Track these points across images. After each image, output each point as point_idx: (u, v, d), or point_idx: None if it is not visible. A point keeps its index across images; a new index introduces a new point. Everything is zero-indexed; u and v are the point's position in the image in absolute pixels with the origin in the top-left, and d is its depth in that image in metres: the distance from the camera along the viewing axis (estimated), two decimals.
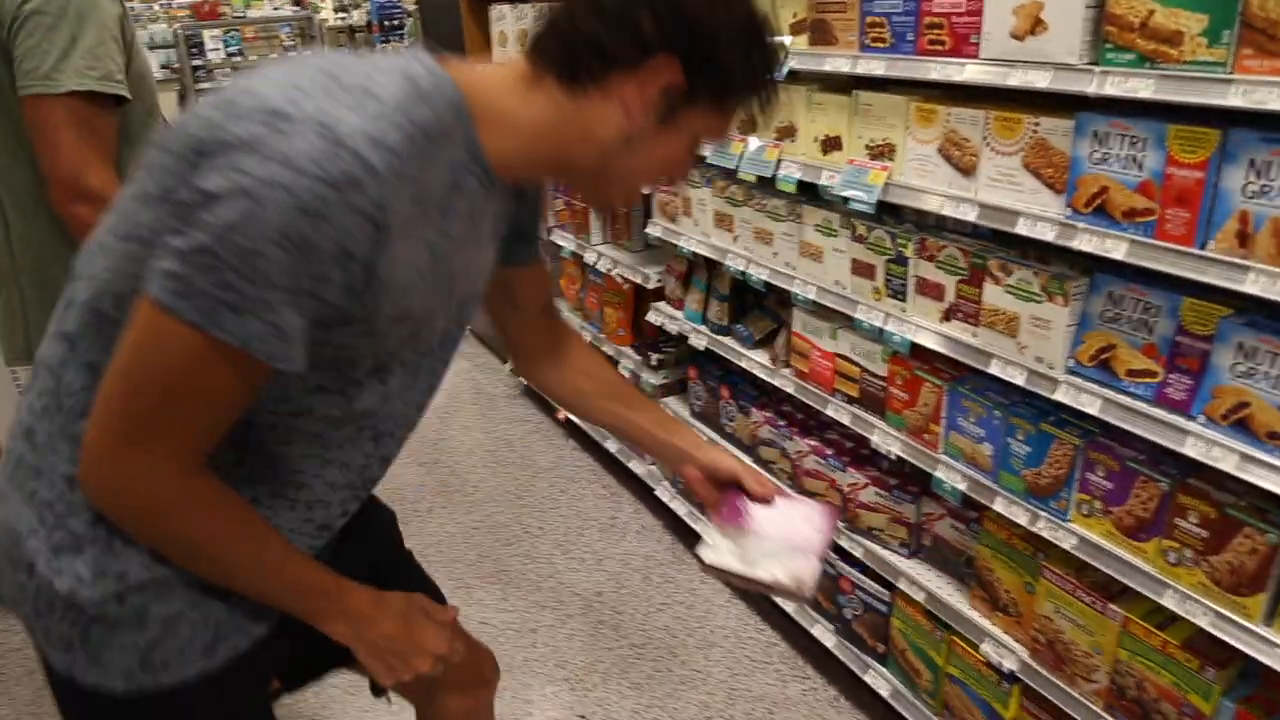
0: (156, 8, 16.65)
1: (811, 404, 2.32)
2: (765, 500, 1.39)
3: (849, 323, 2.13)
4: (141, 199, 0.91)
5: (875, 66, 1.87)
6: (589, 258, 3.25)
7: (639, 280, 2.99)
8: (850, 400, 2.20)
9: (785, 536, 1.32)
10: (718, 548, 1.31)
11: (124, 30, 1.72)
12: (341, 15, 15.89)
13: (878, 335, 2.03)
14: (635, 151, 1.02)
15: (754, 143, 2.27)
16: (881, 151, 1.94)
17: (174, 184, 0.86)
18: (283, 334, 0.88)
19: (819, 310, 2.23)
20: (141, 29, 16.10)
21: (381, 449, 1.19)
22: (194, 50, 7.92)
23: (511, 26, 3.51)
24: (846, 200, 1.97)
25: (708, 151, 2.40)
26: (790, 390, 2.39)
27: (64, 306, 1.02)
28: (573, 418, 3.76)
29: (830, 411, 2.25)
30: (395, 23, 13.41)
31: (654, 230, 2.80)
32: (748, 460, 2.63)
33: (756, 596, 2.76)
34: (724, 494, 1.40)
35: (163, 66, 14.23)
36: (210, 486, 0.99)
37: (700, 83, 0.99)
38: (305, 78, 0.87)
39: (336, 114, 0.84)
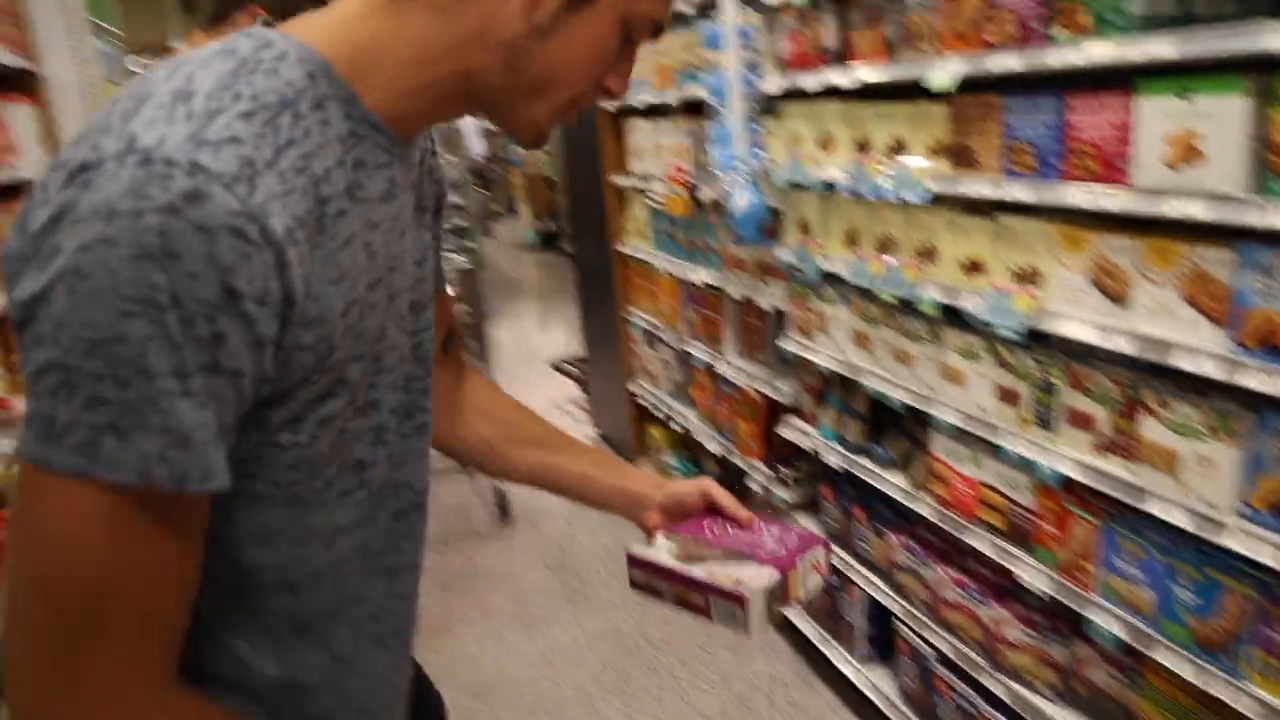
0: None
1: (952, 531, 2.23)
2: (741, 523, 1.19)
3: (993, 450, 2.06)
4: None
5: (1019, 192, 1.83)
6: (722, 369, 3.25)
7: (772, 394, 2.97)
8: (994, 530, 2.10)
9: (740, 545, 1.14)
10: (656, 546, 1.13)
11: None
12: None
13: (1024, 465, 1.95)
14: (549, 41, 0.81)
15: (892, 262, 2.24)
16: (1027, 276, 1.89)
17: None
18: (185, 440, 0.66)
19: (961, 435, 2.16)
20: None
21: (404, 526, 0.96)
22: None
23: (648, 139, 3.61)
24: (990, 325, 1.92)
25: (845, 270, 2.39)
26: (929, 516, 2.31)
27: None
28: None
29: (972, 541, 2.15)
30: None
31: (788, 345, 2.78)
32: (883, 586, 2.54)
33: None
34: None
35: None
36: (193, 705, 0.78)
37: None
38: (108, 115, 0.68)
39: (147, 133, 0.65)
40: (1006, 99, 1.86)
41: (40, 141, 3.33)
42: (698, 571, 1.07)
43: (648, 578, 1.11)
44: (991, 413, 2.04)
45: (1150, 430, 1.66)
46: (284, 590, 0.85)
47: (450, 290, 4.14)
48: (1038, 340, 1.94)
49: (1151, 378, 1.70)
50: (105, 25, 3.74)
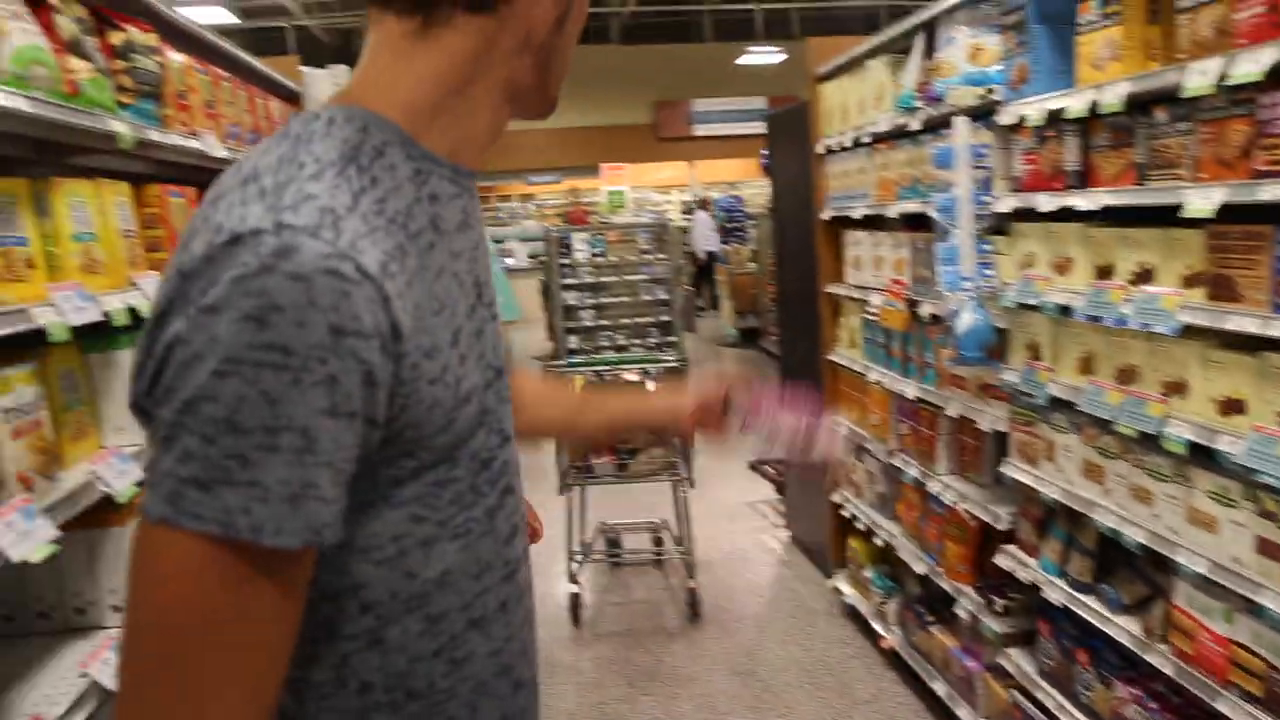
0: (532, 207, 18.93)
1: (1196, 692, 2.03)
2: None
3: (1251, 607, 1.87)
4: None
5: None
6: (933, 487, 3.14)
7: (987, 519, 2.83)
8: (1249, 698, 1.90)
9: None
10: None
11: None
12: (687, 217, 17.22)
13: None
14: (565, 26, 0.88)
15: (1134, 394, 2.12)
16: None
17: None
18: (266, 495, 0.67)
19: (1210, 586, 1.98)
20: (516, 224, 18.34)
21: (514, 518, 0.95)
22: (563, 250, 8.82)
23: (868, 252, 3.60)
24: (1255, 470, 1.77)
25: (1078, 398, 2.27)
26: (1168, 671, 2.11)
27: None
28: (898, 649, 3.56)
29: (1221, 706, 1.95)
30: (736, 225, 14.27)
31: (1010, 471, 2.66)
32: None
33: None
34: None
35: (531, 256, 15.98)
36: None
37: None
38: (192, 225, 0.73)
39: (229, 219, 0.69)
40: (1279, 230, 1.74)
41: None
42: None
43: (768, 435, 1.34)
44: (1250, 566, 1.86)
45: None
46: (471, 627, 0.87)
47: (654, 387, 4.22)
48: None
49: None
50: None
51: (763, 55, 15.47)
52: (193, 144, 2.33)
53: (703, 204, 13.08)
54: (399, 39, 0.82)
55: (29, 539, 1.49)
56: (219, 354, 0.65)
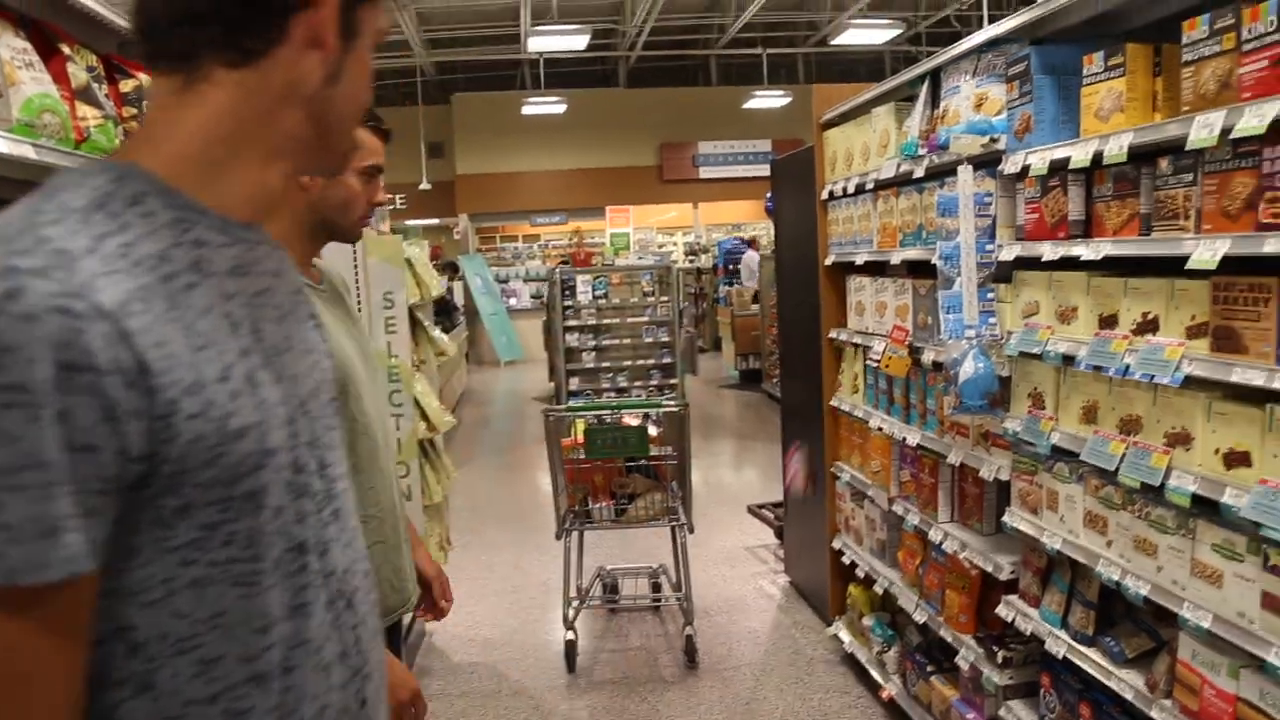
0: (536, 248, 19.03)
1: None
2: None
3: (1257, 663, 1.84)
4: None
5: None
6: (934, 535, 3.11)
7: (989, 568, 2.81)
8: None
9: None
10: None
11: None
12: (691, 259, 17.29)
13: None
14: (340, 81, 0.90)
15: (1137, 444, 2.10)
16: None
17: None
18: (13, 534, 0.68)
19: (1215, 641, 1.95)
20: (520, 264, 18.42)
21: (346, 617, 0.95)
22: (566, 291, 8.85)
23: (870, 298, 3.60)
24: (1259, 524, 1.75)
25: (1081, 448, 2.26)
26: None
27: None
28: (897, 699, 3.51)
29: None
30: (738, 267, 14.30)
31: (1012, 520, 2.63)
32: None
33: None
34: None
35: (533, 297, 16.04)
36: None
37: None
38: None
39: None
40: None
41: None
42: None
43: None
44: (1256, 622, 1.83)
45: None
46: (252, 682, 0.84)
47: (654, 430, 4.19)
48: None
49: None
50: None
51: (768, 99, 15.61)
52: None
53: (751, 242, 13.23)
54: (167, 95, 0.85)
55: None
56: None
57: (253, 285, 0.90)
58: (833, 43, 13.75)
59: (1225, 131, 1.78)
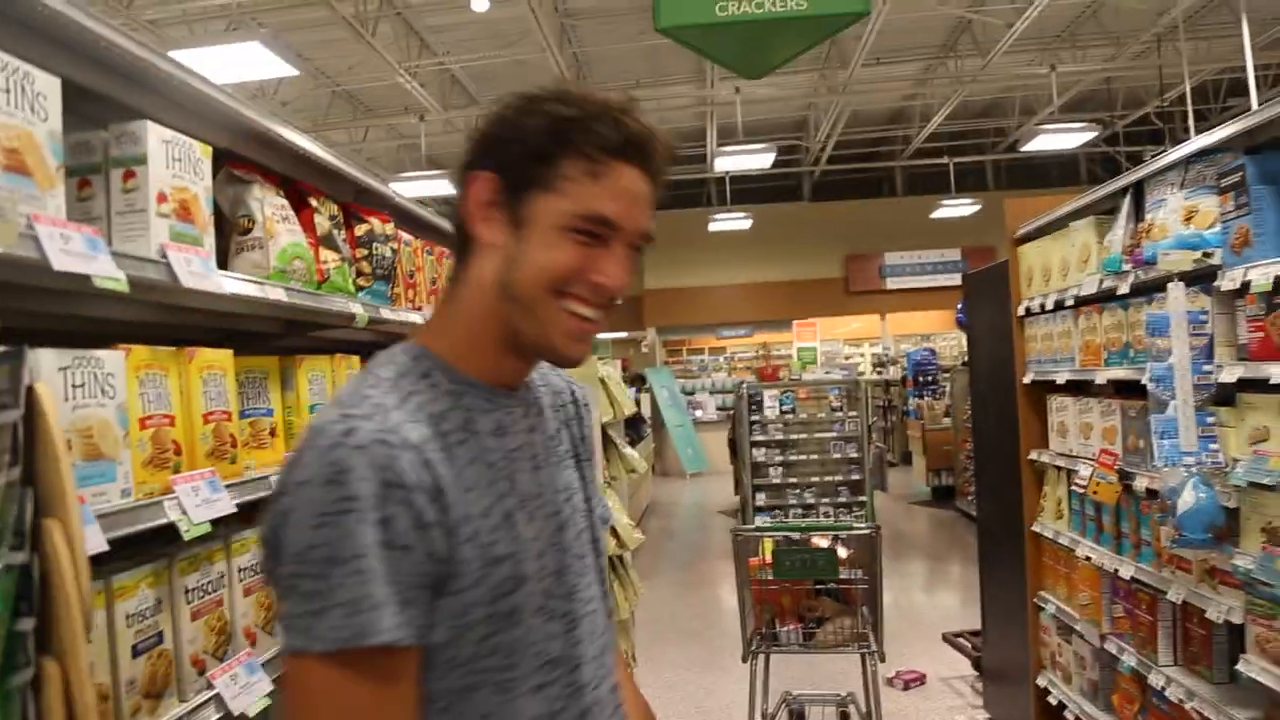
0: (722, 360, 19.23)
1: None
2: None
3: None
4: None
5: None
6: (1154, 680, 2.86)
7: None
8: None
9: None
10: None
11: None
12: (879, 370, 16.98)
13: None
14: (520, 266, 1.05)
15: None
16: None
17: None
18: (357, 607, 0.89)
19: None
20: (706, 376, 18.62)
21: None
22: (754, 406, 8.87)
23: (1074, 419, 3.43)
24: None
25: None
26: None
27: None
28: None
29: None
30: (930, 378, 13.97)
31: (1248, 670, 2.39)
32: None
33: None
34: None
35: (719, 409, 16.14)
36: None
37: (516, 174, 1.05)
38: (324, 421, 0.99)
39: (316, 422, 0.98)
40: None
41: None
42: None
43: None
44: None
45: None
46: None
47: (844, 551, 4.09)
48: None
49: None
50: None
51: (956, 208, 15.38)
52: (414, 317, 2.54)
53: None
54: (449, 288, 1.13)
55: (249, 691, 1.59)
56: (314, 511, 0.90)
57: (511, 443, 1.10)
58: (1024, 149, 13.47)
59: None
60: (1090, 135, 12.50)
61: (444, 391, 1.05)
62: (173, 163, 1.50)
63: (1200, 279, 2.55)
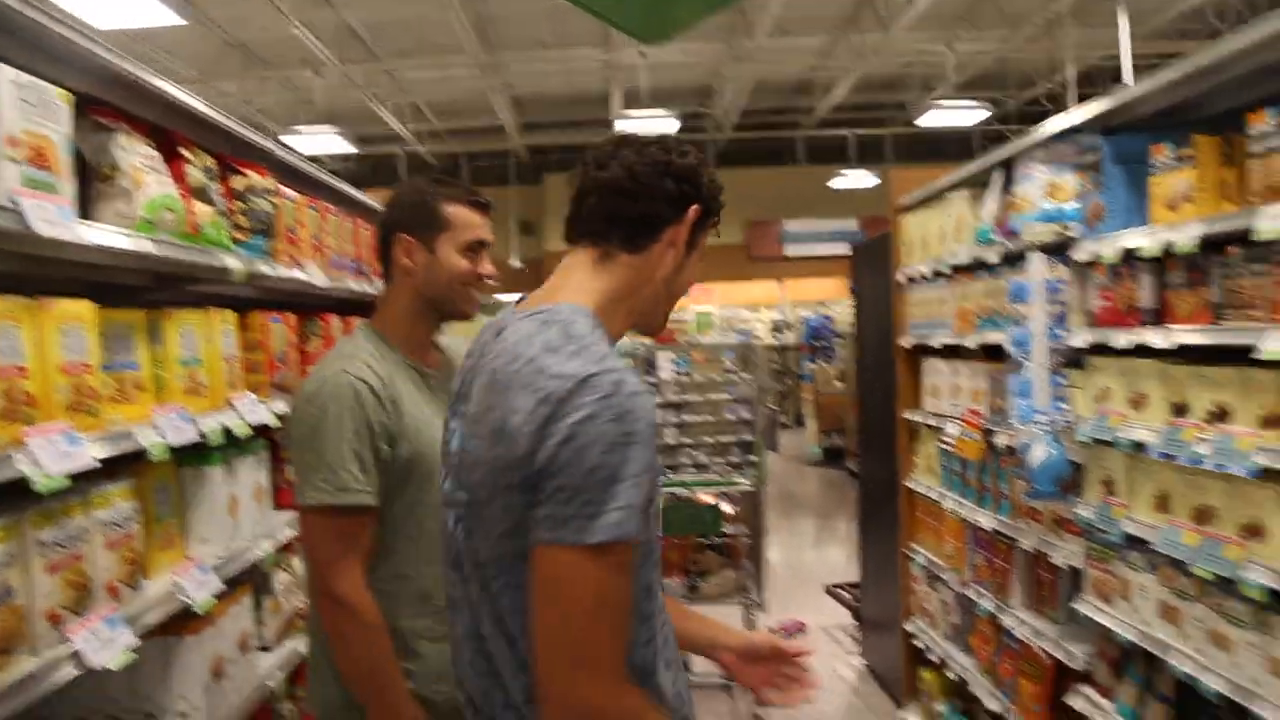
0: None
1: None
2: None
3: None
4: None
5: None
6: (1007, 621, 3.06)
7: (1062, 657, 2.74)
8: None
9: None
10: None
11: (376, 434, 1.79)
12: (776, 335, 17.30)
13: None
14: (679, 275, 1.43)
15: (1210, 535, 2.07)
16: None
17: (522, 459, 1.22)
18: (631, 512, 1.18)
19: None
20: None
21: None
22: (649, 368, 8.94)
23: (945, 381, 3.60)
24: None
25: (1154, 537, 2.23)
26: None
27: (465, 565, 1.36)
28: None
29: None
30: (825, 344, 14.29)
31: (1084, 609, 2.58)
32: None
33: None
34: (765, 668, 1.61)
35: None
36: (638, 693, 1.27)
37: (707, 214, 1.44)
38: (526, 365, 1.27)
39: (568, 368, 1.23)
40: None
41: None
42: None
43: None
44: None
45: None
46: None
47: (729, 508, 4.21)
48: None
49: None
50: None
51: (855, 179, 15.69)
52: (297, 274, 2.52)
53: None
54: (587, 262, 1.39)
55: (110, 646, 1.58)
56: (605, 441, 1.17)
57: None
58: (920, 124, 13.80)
59: None
60: (984, 114, 12.90)
61: (608, 341, 1.35)
62: (25, 106, 1.46)
63: (1059, 250, 2.70)
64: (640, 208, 1.36)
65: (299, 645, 2.50)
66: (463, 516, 1.33)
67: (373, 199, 3.68)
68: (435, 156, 16.09)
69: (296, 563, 2.59)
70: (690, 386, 9.39)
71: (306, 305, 2.81)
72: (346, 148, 12.71)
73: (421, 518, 1.87)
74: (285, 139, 10.55)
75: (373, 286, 3.35)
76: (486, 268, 1.97)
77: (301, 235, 2.57)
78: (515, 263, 17.10)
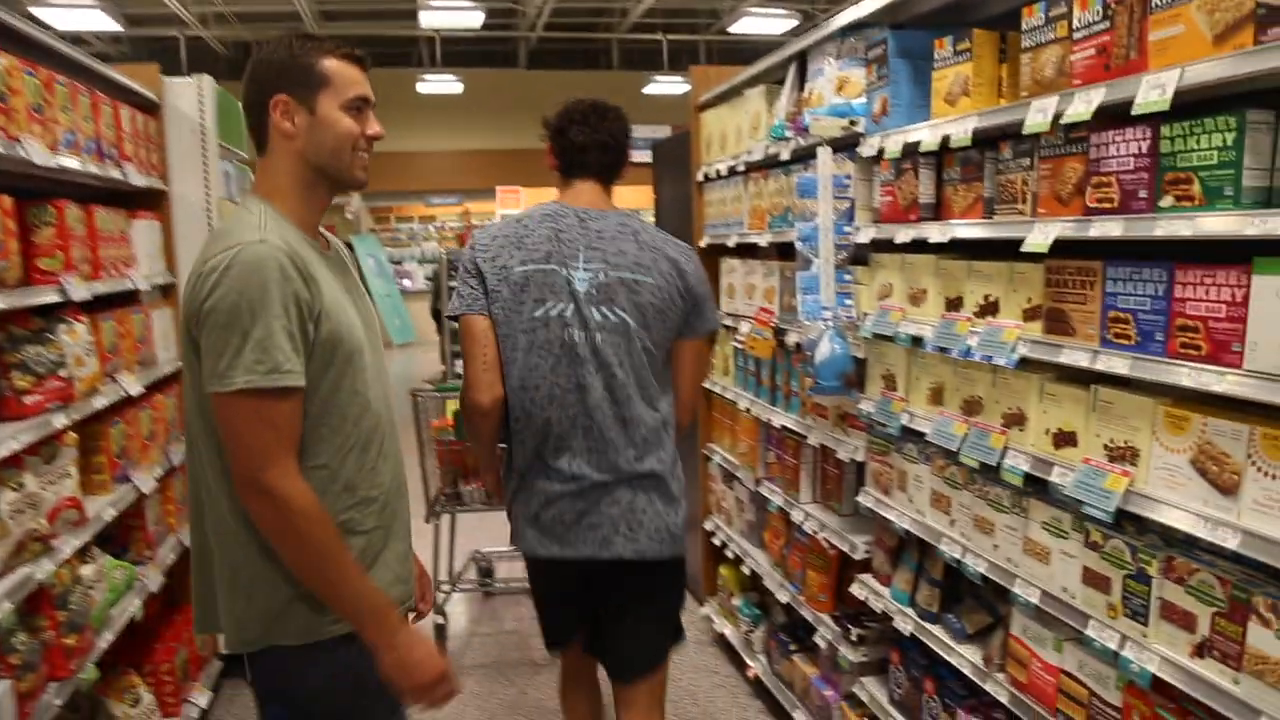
0: (432, 229, 18.67)
1: None
2: None
3: (1078, 636, 1.89)
4: None
5: (1117, 364, 1.73)
6: (796, 516, 3.13)
7: (845, 548, 2.84)
8: None
9: None
10: None
11: (303, 311, 1.62)
12: None
13: (1112, 658, 1.78)
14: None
15: (977, 425, 2.14)
16: (1122, 454, 1.76)
17: None
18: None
19: (1042, 617, 2.00)
20: (416, 245, 18.05)
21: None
22: (454, 272, 8.66)
23: (740, 280, 3.60)
24: (1081, 502, 1.80)
25: (928, 429, 2.29)
26: (1003, 700, 2.13)
27: None
28: (762, 678, 3.54)
29: None
30: None
31: (865, 500, 2.67)
32: None
33: None
34: None
35: (428, 279, 15.73)
36: None
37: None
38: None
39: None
40: (1109, 266, 1.78)
41: (160, 253, 3.49)
42: None
43: None
44: (1078, 597, 1.88)
45: (1261, 640, 1.50)
46: None
47: None
48: (1132, 524, 1.80)
49: (1264, 580, 1.55)
50: (233, 149, 3.96)
51: (667, 85, 15.60)
52: (17, 153, 2.18)
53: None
54: (603, 188, 2.44)
55: None
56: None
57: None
58: (731, 31, 13.80)
59: (1057, 117, 1.81)
60: (792, 24, 13.01)
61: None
62: None
63: (847, 146, 2.69)
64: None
65: (36, 571, 2.25)
66: (618, 329, 2.26)
67: (133, 80, 3.27)
68: (223, 43, 14.82)
69: (30, 479, 2.32)
70: None
71: (31, 191, 2.46)
72: (111, 25, 11.45)
73: (344, 404, 1.69)
74: (36, 12, 9.41)
75: (123, 173, 2.99)
76: (374, 127, 1.77)
77: (15, 105, 2.22)
78: None
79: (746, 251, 3.67)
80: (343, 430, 1.70)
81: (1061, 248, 1.86)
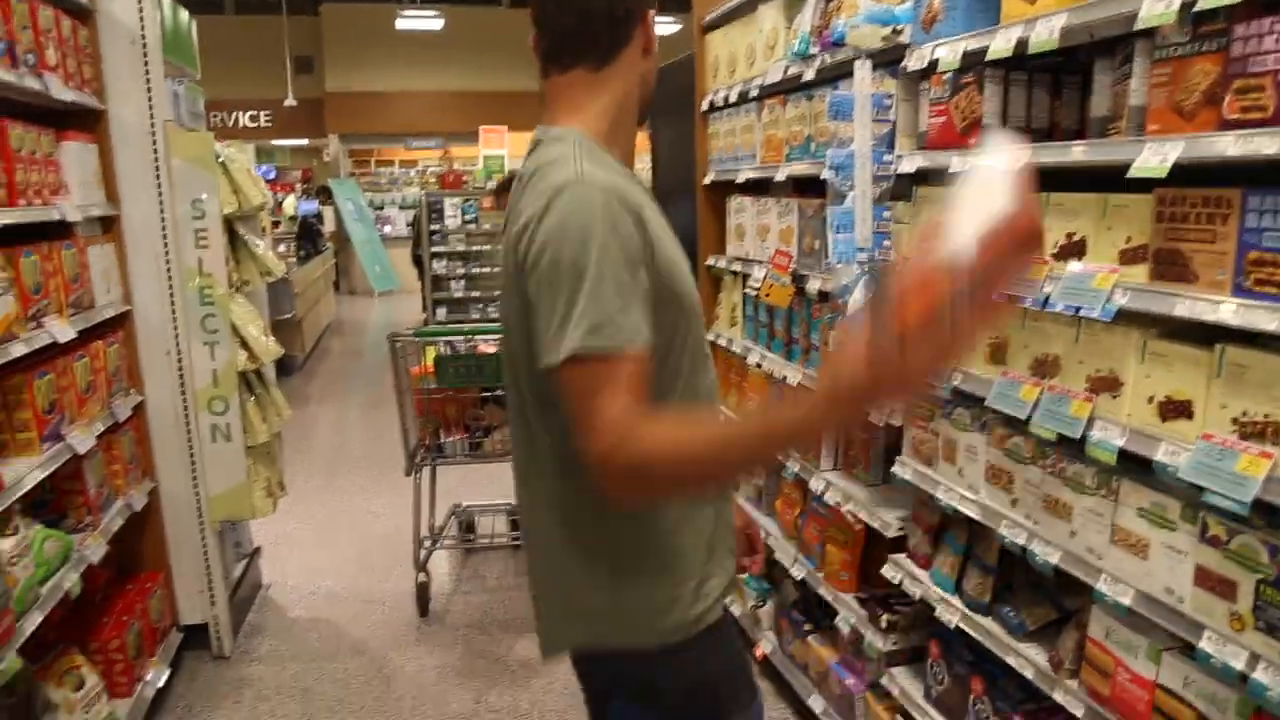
0: (413, 173, 18.11)
1: None
2: None
3: (1186, 649, 1.56)
4: None
5: (1260, 319, 1.38)
6: (814, 484, 2.79)
7: (874, 524, 2.50)
8: None
9: None
10: None
11: (647, 263, 1.31)
12: None
13: (1236, 678, 1.45)
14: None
15: (1054, 389, 1.79)
16: (1260, 431, 1.41)
17: None
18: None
19: (1136, 620, 1.66)
20: (396, 190, 17.53)
21: None
22: (435, 216, 8.25)
23: (752, 220, 3.22)
24: (1201, 489, 1.45)
25: (986, 391, 1.94)
26: (1078, 713, 1.81)
27: None
28: (771, 658, 3.23)
29: None
30: None
31: (902, 471, 2.32)
32: None
33: None
34: None
35: (409, 225, 15.27)
36: None
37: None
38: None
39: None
40: (1250, 196, 1.41)
41: (98, 181, 3.08)
42: None
43: None
44: (1187, 601, 1.55)
45: None
46: None
47: None
48: (1262, 517, 1.45)
49: None
50: (182, 65, 3.52)
51: (660, 23, 15.05)
52: None
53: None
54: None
55: None
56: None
57: None
58: None
59: (1186, 5, 1.44)
60: None
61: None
62: None
63: (888, 62, 2.31)
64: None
65: None
66: None
67: None
68: None
69: None
70: (478, 236, 8.80)
71: None
72: None
73: (690, 364, 1.40)
74: None
75: (43, 84, 2.57)
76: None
77: None
78: (290, 102, 15.53)
79: (758, 188, 3.28)
80: (689, 392, 1.40)
81: (1186, 174, 1.50)
